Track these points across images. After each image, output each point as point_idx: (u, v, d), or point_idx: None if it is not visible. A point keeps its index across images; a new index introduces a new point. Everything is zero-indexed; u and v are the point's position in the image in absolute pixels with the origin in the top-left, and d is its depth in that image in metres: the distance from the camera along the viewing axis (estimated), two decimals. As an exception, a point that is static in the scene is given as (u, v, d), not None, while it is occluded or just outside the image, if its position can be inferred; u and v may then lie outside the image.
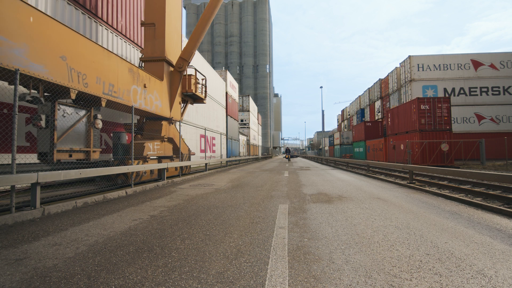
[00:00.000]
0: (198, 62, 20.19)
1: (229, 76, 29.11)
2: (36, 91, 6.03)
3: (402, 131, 19.72)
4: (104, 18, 10.10)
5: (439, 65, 24.13)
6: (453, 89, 23.78)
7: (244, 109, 40.80)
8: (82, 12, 9.03)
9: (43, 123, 5.81)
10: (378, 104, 32.36)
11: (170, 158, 11.04)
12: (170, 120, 11.13)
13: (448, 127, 17.27)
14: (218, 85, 24.54)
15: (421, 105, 17.45)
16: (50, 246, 3.11)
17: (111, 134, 9.85)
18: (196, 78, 12.37)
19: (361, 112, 38.49)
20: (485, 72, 23.76)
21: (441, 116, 17.33)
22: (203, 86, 13.86)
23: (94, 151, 7.43)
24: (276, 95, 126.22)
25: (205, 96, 13.94)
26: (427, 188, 7.54)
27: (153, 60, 10.26)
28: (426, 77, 24.06)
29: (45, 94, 6.19)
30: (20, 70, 4.86)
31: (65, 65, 6.00)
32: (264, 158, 44.31)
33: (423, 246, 2.96)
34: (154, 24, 10.27)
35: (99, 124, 7.36)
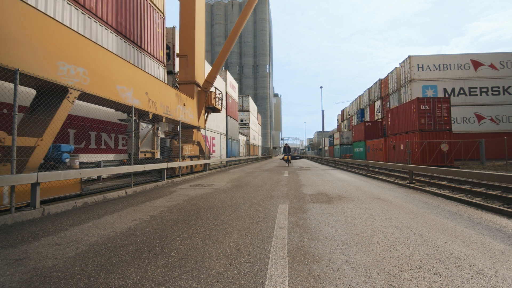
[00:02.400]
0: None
1: (229, 76, 29.11)
2: (125, 113, 9.46)
3: (402, 131, 19.73)
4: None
5: (439, 65, 24.13)
6: (453, 89, 23.79)
7: (244, 109, 40.81)
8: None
9: (132, 134, 8.70)
10: (378, 104, 32.37)
11: (197, 157, 14.16)
12: (198, 128, 14.24)
13: (448, 127, 17.27)
14: (218, 85, 24.54)
15: (421, 105, 17.45)
16: (50, 246, 3.11)
17: (158, 140, 12.82)
18: (215, 94, 15.79)
19: (361, 112, 38.50)
20: (485, 72, 23.77)
21: (441, 116, 17.34)
22: (220, 100, 17.32)
23: (156, 152, 11.19)
24: (276, 95, 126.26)
25: (221, 108, 17.53)
26: (427, 188, 7.54)
27: (186, 83, 13.43)
28: (426, 77, 24.07)
29: (129, 115, 9.23)
30: (127, 104, 8.10)
31: (147, 98, 9.29)
32: (264, 158, 44.32)
33: (423, 246, 2.96)
34: (186, 56, 13.36)
35: (160, 134, 11.51)
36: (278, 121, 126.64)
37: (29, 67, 5.09)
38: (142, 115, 9.45)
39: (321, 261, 2.58)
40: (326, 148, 53.40)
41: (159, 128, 10.54)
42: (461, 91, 23.72)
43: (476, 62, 23.90)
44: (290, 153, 22.33)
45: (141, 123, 9.80)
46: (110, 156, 10.05)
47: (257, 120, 52.73)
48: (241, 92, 69.64)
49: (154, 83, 9.79)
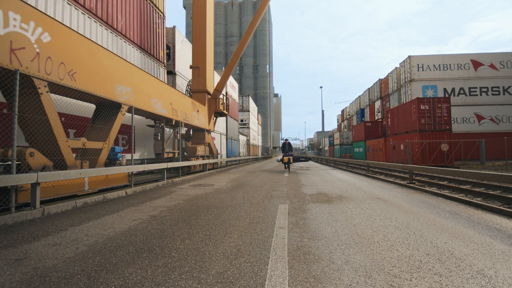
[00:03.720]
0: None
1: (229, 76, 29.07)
2: (149, 119, 11.64)
3: (402, 131, 19.73)
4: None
5: (439, 65, 24.13)
6: (453, 89, 23.79)
7: (244, 109, 40.79)
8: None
9: (159, 137, 11.13)
10: (378, 104, 32.37)
11: (208, 157, 15.83)
12: (208, 131, 16.37)
13: (448, 127, 17.27)
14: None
15: (421, 105, 17.45)
16: (50, 246, 3.11)
17: (178, 142, 14.75)
18: (222, 100, 17.76)
19: (361, 112, 38.50)
20: (485, 72, 23.77)
21: (441, 116, 17.34)
22: (227, 106, 19.94)
23: (176, 152, 12.92)
24: (276, 95, 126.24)
25: (228, 112, 20.53)
26: (427, 188, 7.54)
27: (198, 91, 15.38)
28: (426, 77, 24.06)
29: (157, 122, 11.44)
30: (153, 111, 9.77)
31: (171, 107, 11.27)
32: (264, 158, 44.31)
33: (423, 246, 2.96)
34: (198, 67, 15.23)
35: (167, 134, 12.81)
36: (278, 121, 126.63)
37: (98, 90, 6.87)
38: (167, 121, 11.57)
39: (321, 261, 2.58)
40: (326, 148, 53.41)
41: (178, 131, 12.19)
42: (461, 91, 23.72)
43: (476, 62, 23.90)
44: (291, 153, 15.06)
45: (166, 128, 11.91)
46: (137, 155, 12.44)
47: (257, 120, 52.72)
48: (241, 92, 69.63)
49: (176, 94, 11.91)
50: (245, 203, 5.56)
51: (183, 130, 14.68)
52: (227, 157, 25.48)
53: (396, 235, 3.37)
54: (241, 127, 38.87)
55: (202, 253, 2.82)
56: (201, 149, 14.97)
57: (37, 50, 5.28)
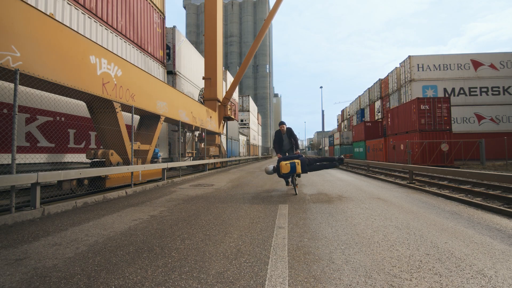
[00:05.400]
0: (199, 64, 20.20)
1: (229, 76, 29.11)
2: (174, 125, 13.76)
3: (402, 131, 19.72)
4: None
5: (439, 65, 24.13)
6: (453, 89, 23.78)
7: (244, 109, 40.79)
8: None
9: (182, 140, 12.93)
10: (378, 104, 32.36)
11: (218, 157, 17.93)
12: (219, 134, 18.65)
13: (448, 127, 17.27)
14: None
15: (421, 105, 17.45)
16: (50, 246, 3.11)
17: (195, 143, 17.21)
18: (230, 106, 20.03)
19: (361, 112, 38.50)
20: (485, 72, 23.76)
21: (441, 116, 17.33)
22: (234, 111, 22.51)
23: (194, 152, 15.70)
24: (276, 95, 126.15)
25: (235, 117, 23.69)
26: (427, 188, 7.54)
27: (210, 99, 17.71)
28: (426, 77, 24.06)
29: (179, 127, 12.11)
30: (180, 120, 11.74)
31: (192, 115, 13.26)
32: (264, 158, 44.29)
33: (423, 246, 2.96)
34: (210, 78, 17.46)
35: (196, 139, 16.24)
36: (278, 121, 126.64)
37: (147, 106, 8.99)
38: (189, 127, 13.75)
39: (321, 261, 2.58)
40: (326, 148, 53.41)
41: (196, 135, 14.76)
42: (461, 91, 23.72)
43: (476, 62, 23.90)
44: (297, 155, 6.89)
45: (187, 132, 14.68)
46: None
47: (257, 120, 52.71)
48: (241, 92, 69.54)
49: (195, 104, 14.02)
50: (245, 203, 5.55)
51: (197, 133, 16.79)
52: (227, 157, 25.47)
53: (396, 235, 3.37)
54: (241, 127, 38.86)
55: (202, 253, 2.82)
56: (213, 150, 17.03)
57: (115, 82, 7.37)
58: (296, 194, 6.56)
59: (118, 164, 7.41)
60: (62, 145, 7.98)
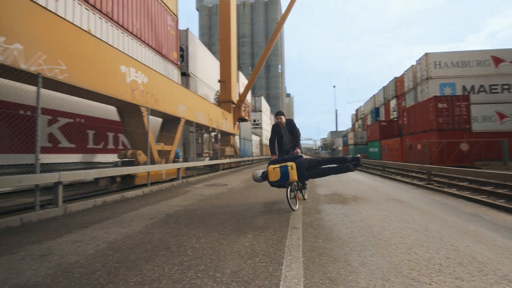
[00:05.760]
0: (212, 65, 20.42)
1: (242, 77, 29.22)
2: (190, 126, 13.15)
3: (418, 131, 19.18)
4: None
5: (457, 62, 23.27)
6: (473, 87, 22.88)
7: (256, 110, 40.85)
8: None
9: (200, 141, 14.44)
10: (393, 103, 31.61)
11: (233, 157, 18.70)
12: (233, 135, 19.39)
13: (467, 126, 16.65)
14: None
15: (439, 104, 16.90)
16: (72, 243, 3.23)
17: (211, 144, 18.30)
18: (244, 107, 20.92)
19: (376, 111, 37.70)
20: (506, 68, 22.71)
21: (460, 115, 16.73)
22: (248, 112, 23.68)
23: (211, 152, 16.64)
24: (288, 95, 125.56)
25: (249, 117, 24.68)
26: (446, 189, 7.30)
27: (225, 101, 18.62)
28: (444, 75, 23.26)
29: (197, 128, 13.65)
30: (198, 122, 12.71)
31: (209, 117, 13.99)
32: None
33: (443, 249, 2.87)
34: (225, 81, 18.44)
35: (212, 140, 16.99)
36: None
37: (169, 110, 9.81)
38: (206, 128, 14.62)
39: (336, 262, 2.55)
40: (340, 148, 52.68)
41: (212, 135, 15.74)
42: (481, 89, 22.77)
43: (496, 59, 22.89)
44: (296, 156, 5.10)
45: (205, 133, 16.04)
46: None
47: (270, 120, 52.65)
48: (253, 93, 69.53)
49: (211, 107, 15.01)
50: (259, 203, 5.57)
51: (213, 134, 17.53)
52: (240, 157, 25.58)
53: (414, 237, 3.29)
54: (253, 127, 38.92)
55: (217, 252, 2.85)
56: (228, 150, 17.93)
57: (142, 88, 8.14)
58: (304, 198, 5.92)
59: (145, 163, 8.06)
60: (89, 145, 8.80)
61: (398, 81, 30.27)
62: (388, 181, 9.98)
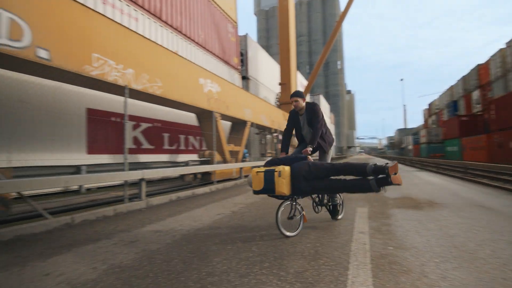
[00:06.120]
0: (270, 67, 20.81)
1: (300, 76, 28.96)
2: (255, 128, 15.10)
3: (511, 126, 16.11)
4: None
5: None
6: None
7: (314, 108, 39.82)
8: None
9: (263, 141, 16.23)
10: (475, 94, 27.16)
11: None
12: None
13: None
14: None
15: (542, 93, 13.91)
16: (153, 232, 3.70)
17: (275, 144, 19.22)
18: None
19: (453, 105, 32.92)
20: None
21: None
22: None
23: (274, 153, 16.84)
24: (348, 92, 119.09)
25: None
26: (554, 197, 5.98)
27: (285, 103, 19.42)
28: (548, 57, 19.04)
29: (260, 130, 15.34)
30: (262, 124, 13.81)
31: (270, 119, 14.82)
32: (338, 158, 42.43)
33: (550, 269, 2.39)
34: (285, 84, 19.63)
35: (268, 139, 17.39)
36: (352, 120, 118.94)
37: (238, 114, 11.01)
38: (266, 128, 15.41)
39: (410, 273, 2.35)
40: (410, 147, 47.59)
41: (267, 134, 16.36)
42: None
43: None
44: (306, 152, 3.56)
45: (267, 135, 17.21)
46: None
47: (330, 119, 50.84)
48: (311, 91, 68.11)
49: (273, 109, 16.09)
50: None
51: (275, 135, 18.49)
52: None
53: (510, 251, 2.81)
54: (312, 127, 38.06)
55: (280, 251, 2.91)
56: (290, 150, 19.11)
57: (216, 96, 9.40)
58: (337, 219, 4.14)
59: (218, 162, 9.36)
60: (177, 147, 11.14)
61: (481, 69, 25.91)
62: (471, 184, 8.67)
